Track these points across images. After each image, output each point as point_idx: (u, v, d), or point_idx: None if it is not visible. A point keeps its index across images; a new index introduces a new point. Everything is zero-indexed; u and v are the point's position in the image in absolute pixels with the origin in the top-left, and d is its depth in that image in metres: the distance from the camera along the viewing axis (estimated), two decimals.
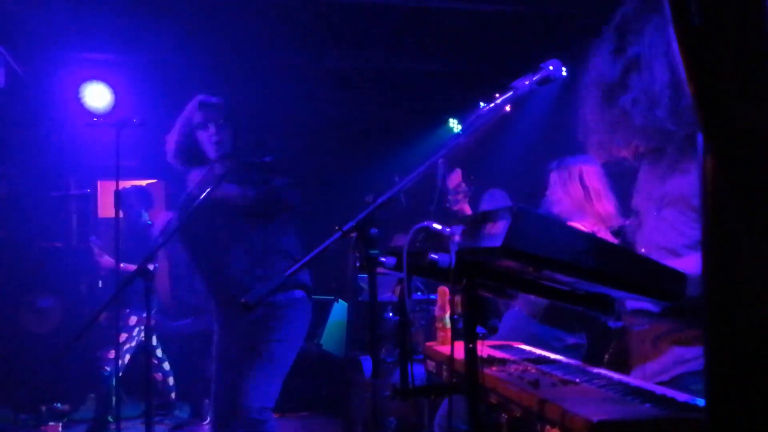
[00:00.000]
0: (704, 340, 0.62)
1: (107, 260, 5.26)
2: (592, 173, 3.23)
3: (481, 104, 1.87)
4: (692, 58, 0.56)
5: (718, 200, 0.56)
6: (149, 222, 3.87)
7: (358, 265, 1.68)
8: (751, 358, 0.57)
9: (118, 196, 4.08)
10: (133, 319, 5.13)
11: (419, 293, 4.90)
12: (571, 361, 1.93)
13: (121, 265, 4.12)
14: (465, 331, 1.47)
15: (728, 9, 0.54)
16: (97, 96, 5.84)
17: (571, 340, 3.27)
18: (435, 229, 1.52)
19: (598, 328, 3.18)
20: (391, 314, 4.66)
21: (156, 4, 5.04)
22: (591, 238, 1.38)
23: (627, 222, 2.14)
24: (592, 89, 1.90)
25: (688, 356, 1.71)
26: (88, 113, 5.71)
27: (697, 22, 0.55)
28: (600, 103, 1.86)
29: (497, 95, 1.89)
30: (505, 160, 6.09)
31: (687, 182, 1.75)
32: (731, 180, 0.55)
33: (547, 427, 1.31)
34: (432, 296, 4.55)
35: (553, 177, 3.32)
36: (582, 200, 3.19)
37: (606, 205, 3.17)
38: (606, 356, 2.43)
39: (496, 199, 4.38)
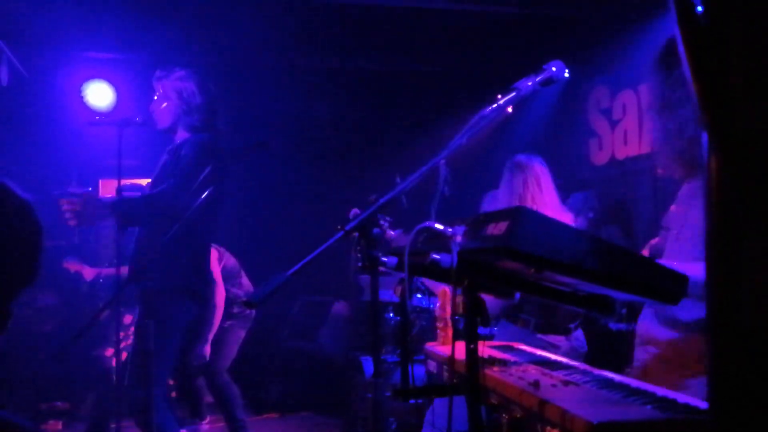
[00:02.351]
0: (707, 341, 0.62)
1: (89, 272, 5.24)
2: (540, 171, 3.30)
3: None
4: (697, 57, 0.56)
5: (723, 201, 0.56)
6: None
7: (359, 265, 1.68)
8: (755, 359, 0.57)
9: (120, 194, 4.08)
10: (128, 318, 5.12)
11: (420, 294, 4.87)
12: (572, 362, 1.92)
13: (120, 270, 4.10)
14: (466, 332, 1.46)
15: (734, 8, 0.55)
16: (99, 95, 5.85)
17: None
18: (437, 229, 1.52)
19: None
20: (392, 314, 4.65)
21: (158, 3, 5.05)
22: (593, 239, 1.38)
23: (654, 241, 2.13)
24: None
25: None
26: (91, 112, 5.71)
27: (703, 21, 0.55)
28: (656, 119, 1.88)
29: (499, 96, 1.89)
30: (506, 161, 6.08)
31: None
32: (736, 180, 0.55)
33: (548, 428, 1.31)
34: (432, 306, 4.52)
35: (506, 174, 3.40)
36: (528, 194, 3.27)
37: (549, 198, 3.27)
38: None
39: (497, 200, 4.38)
